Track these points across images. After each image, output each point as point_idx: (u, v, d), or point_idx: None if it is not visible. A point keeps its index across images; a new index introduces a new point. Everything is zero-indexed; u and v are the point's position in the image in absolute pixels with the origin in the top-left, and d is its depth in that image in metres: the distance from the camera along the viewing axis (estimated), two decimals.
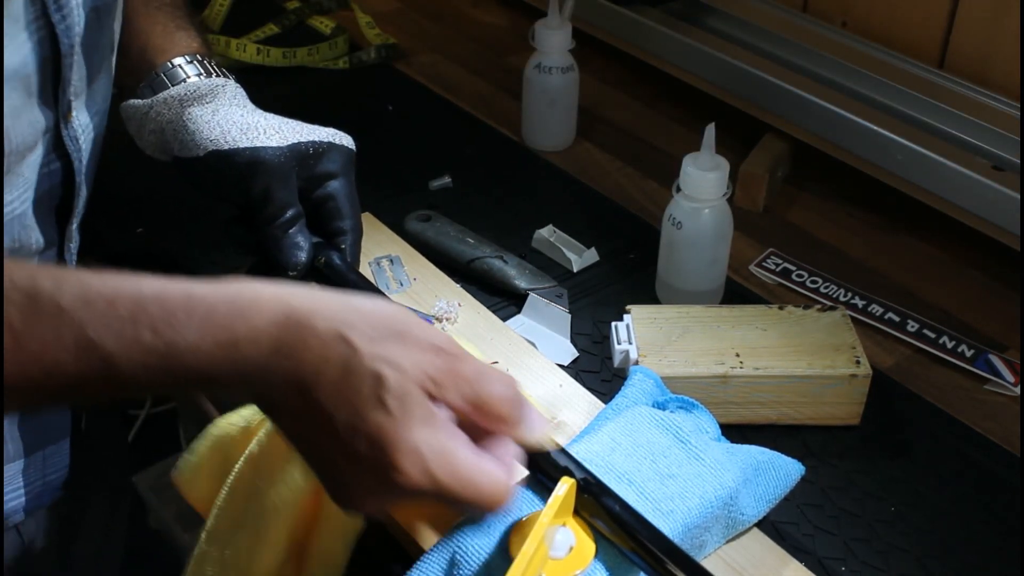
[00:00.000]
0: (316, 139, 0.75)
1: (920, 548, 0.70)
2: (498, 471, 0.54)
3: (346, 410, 0.51)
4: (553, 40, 1.05)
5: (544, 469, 0.61)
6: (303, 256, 0.74)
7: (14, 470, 0.74)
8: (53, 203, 0.69)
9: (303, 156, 0.74)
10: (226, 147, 0.72)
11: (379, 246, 0.91)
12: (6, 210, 0.64)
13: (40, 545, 0.80)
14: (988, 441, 0.79)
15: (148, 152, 0.78)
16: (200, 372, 0.52)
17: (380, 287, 0.85)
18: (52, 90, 0.64)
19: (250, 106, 0.77)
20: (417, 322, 0.55)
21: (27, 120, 0.62)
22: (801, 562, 0.67)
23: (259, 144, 0.73)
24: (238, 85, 0.78)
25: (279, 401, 0.53)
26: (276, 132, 0.74)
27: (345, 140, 0.77)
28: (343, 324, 0.52)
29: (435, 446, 0.52)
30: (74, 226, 0.71)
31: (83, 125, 0.68)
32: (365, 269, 0.87)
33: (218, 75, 0.77)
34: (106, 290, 0.51)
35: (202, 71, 0.77)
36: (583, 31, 1.18)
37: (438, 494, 0.53)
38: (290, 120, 0.76)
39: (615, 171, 1.09)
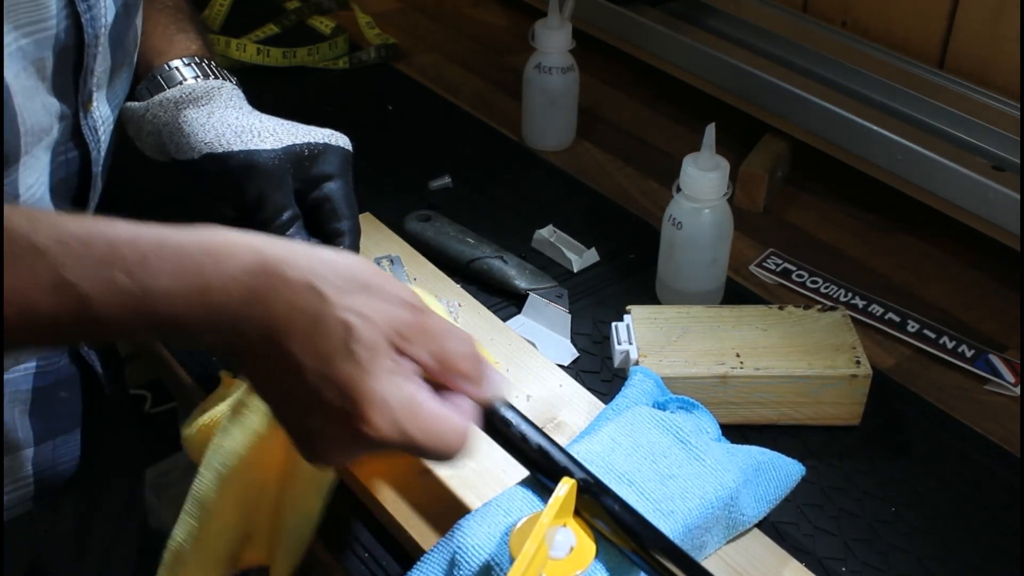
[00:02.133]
0: (312, 140, 0.75)
1: (920, 548, 0.70)
2: (460, 420, 0.55)
3: (315, 359, 0.52)
4: (553, 40, 1.05)
5: (545, 469, 0.61)
6: None
7: (24, 458, 0.74)
8: (70, 192, 0.69)
9: (299, 158, 0.74)
10: (220, 150, 0.72)
11: (379, 246, 0.91)
12: (26, 194, 0.64)
13: (54, 537, 0.81)
14: (988, 441, 0.79)
15: (147, 153, 0.79)
16: (173, 317, 0.52)
17: None
18: (72, 77, 0.65)
19: (246, 108, 0.77)
20: (385, 276, 0.56)
21: (40, 103, 0.63)
22: (801, 562, 0.67)
23: (253, 147, 0.73)
24: (236, 87, 0.78)
25: (248, 349, 0.53)
26: (271, 134, 0.74)
27: (341, 141, 0.77)
28: (313, 274, 0.53)
29: (402, 398, 0.53)
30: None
31: (103, 116, 0.69)
32: None
33: (216, 77, 0.77)
34: (81, 231, 0.51)
35: (199, 73, 0.77)
36: (583, 31, 1.18)
37: (404, 445, 0.53)
38: (286, 122, 0.76)
39: (615, 171, 1.09)
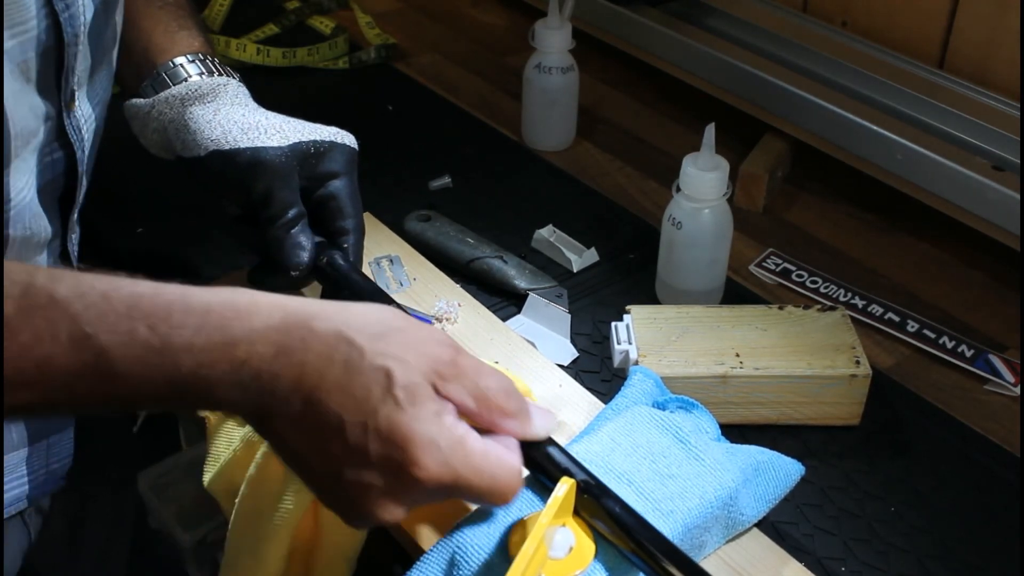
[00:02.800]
0: (318, 138, 0.75)
1: (920, 548, 0.70)
2: (511, 458, 0.54)
3: (354, 409, 0.51)
4: (553, 40, 1.05)
5: (544, 469, 0.61)
6: (305, 256, 0.74)
7: (17, 459, 0.74)
8: (56, 193, 0.69)
9: (305, 156, 0.74)
10: (227, 147, 0.72)
11: (379, 246, 0.91)
12: (16, 198, 0.64)
13: (47, 537, 0.80)
14: (988, 441, 0.79)
15: (152, 151, 0.78)
16: (195, 373, 0.51)
17: (380, 287, 0.85)
18: (55, 78, 0.64)
19: (252, 105, 0.77)
20: (414, 321, 0.55)
21: (27, 105, 0.62)
22: (801, 562, 0.67)
23: (260, 144, 0.73)
24: (241, 84, 0.78)
25: (279, 409, 0.52)
26: (277, 132, 0.74)
27: (348, 139, 0.77)
28: (343, 324, 0.52)
29: (451, 438, 0.52)
30: (75, 217, 0.71)
31: (86, 115, 0.69)
32: (365, 269, 0.87)
33: (220, 74, 0.77)
34: (101, 285, 0.51)
35: (204, 70, 0.77)
36: (583, 31, 1.18)
37: (456, 486, 0.52)
38: (292, 119, 0.76)
39: (615, 171, 1.09)
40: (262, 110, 0.76)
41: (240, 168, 0.72)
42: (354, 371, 0.51)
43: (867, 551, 0.70)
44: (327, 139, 0.76)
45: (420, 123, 1.17)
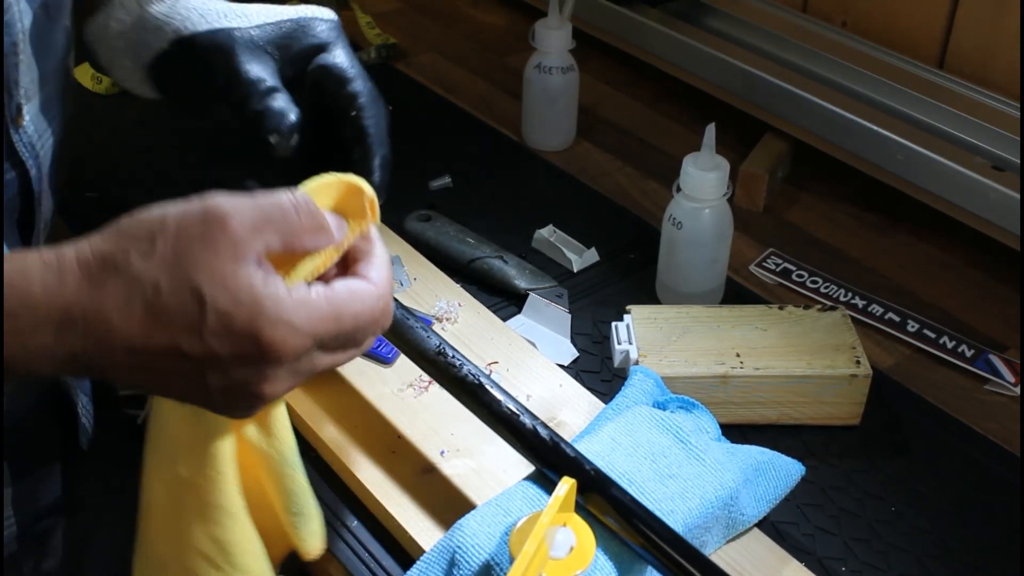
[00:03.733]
0: (290, 17, 0.66)
1: (920, 548, 0.70)
2: (361, 286, 0.51)
3: (182, 329, 0.47)
4: (553, 40, 1.05)
5: (551, 462, 0.61)
6: (292, 117, 0.61)
7: (3, 499, 0.70)
8: (13, 215, 0.64)
9: (278, 36, 0.65)
10: (187, 32, 0.64)
11: None
12: None
13: (48, 568, 0.77)
14: (988, 441, 0.79)
15: (127, 85, 0.71)
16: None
17: None
18: None
19: None
20: (173, 219, 0.49)
21: None
22: (801, 562, 0.67)
23: (221, 26, 0.64)
24: None
25: (113, 362, 0.48)
26: (241, 16, 0.65)
27: (325, 13, 0.67)
28: (117, 231, 0.48)
29: (289, 303, 0.48)
30: (40, 242, 0.67)
31: (39, 131, 0.64)
32: None
33: None
34: None
35: None
36: (583, 31, 1.18)
37: (325, 341, 0.49)
38: (262, 4, 0.67)
39: (615, 171, 1.09)
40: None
41: (204, 52, 0.64)
42: (131, 289, 0.47)
43: (867, 551, 0.70)
44: (300, 16, 0.66)
45: (420, 123, 1.17)
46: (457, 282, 0.88)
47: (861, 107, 0.99)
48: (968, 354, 0.85)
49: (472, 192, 1.04)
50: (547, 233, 0.96)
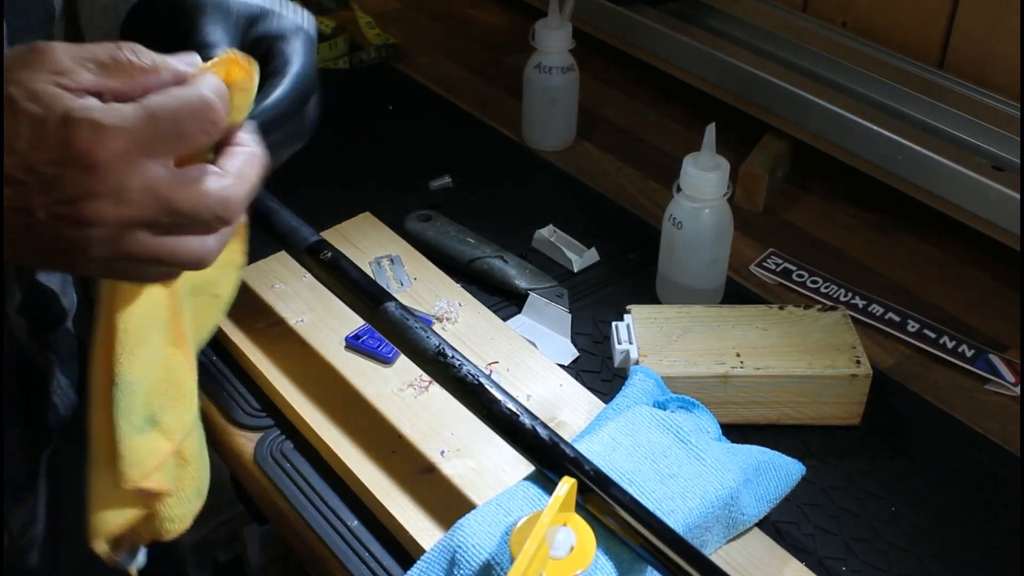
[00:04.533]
0: (274, 8, 0.63)
1: (920, 548, 0.70)
2: (214, 177, 0.49)
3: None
4: (553, 40, 1.05)
5: (551, 462, 0.61)
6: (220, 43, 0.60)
7: None
8: None
9: (246, 13, 0.63)
10: None
11: (379, 246, 0.91)
12: None
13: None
14: (988, 441, 0.79)
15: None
16: None
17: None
18: None
19: None
20: None
21: None
22: (802, 562, 0.67)
23: None
24: None
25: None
26: None
27: (308, 20, 0.65)
28: None
29: (101, 107, 0.46)
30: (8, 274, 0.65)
31: None
32: (366, 268, 0.87)
33: None
34: None
35: None
36: (583, 31, 1.18)
37: (146, 150, 0.47)
38: None
39: (615, 171, 1.09)
40: None
41: (171, 10, 0.62)
42: None
43: (868, 551, 0.70)
44: (283, 11, 0.64)
45: (420, 123, 1.17)
46: (457, 282, 0.88)
47: (861, 107, 0.99)
48: (968, 354, 0.85)
49: (472, 192, 1.04)
50: (547, 233, 0.96)
